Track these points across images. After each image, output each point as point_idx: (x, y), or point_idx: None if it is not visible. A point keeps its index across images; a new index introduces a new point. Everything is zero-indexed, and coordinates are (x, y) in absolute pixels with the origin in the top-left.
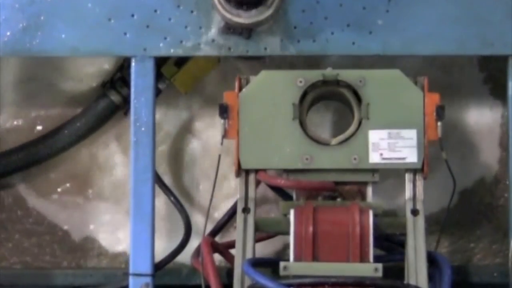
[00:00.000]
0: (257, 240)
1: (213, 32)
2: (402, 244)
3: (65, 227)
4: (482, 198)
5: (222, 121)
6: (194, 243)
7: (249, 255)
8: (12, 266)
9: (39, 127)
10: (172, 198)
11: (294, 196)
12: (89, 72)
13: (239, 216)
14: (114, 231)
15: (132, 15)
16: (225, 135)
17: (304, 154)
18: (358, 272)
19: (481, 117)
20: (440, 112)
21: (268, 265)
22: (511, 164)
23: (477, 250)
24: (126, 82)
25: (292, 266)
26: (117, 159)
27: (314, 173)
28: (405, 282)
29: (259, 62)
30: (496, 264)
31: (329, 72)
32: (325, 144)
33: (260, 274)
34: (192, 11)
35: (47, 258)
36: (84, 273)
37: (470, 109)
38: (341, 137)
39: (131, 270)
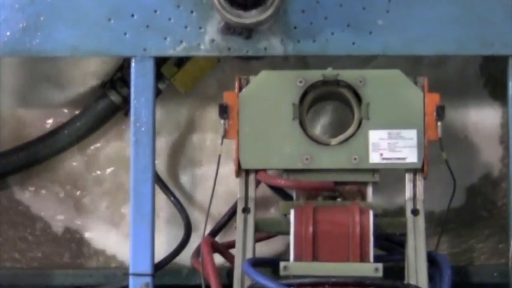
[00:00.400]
0: (257, 240)
1: (213, 32)
2: (402, 244)
3: (59, 224)
4: (487, 197)
5: (222, 121)
6: (194, 243)
7: (249, 255)
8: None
9: (39, 127)
10: (172, 198)
11: (294, 196)
12: (88, 72)
13: (239, 216)
14: (109, 231)
15: (132, 15)
16: (225, 135)
17: (304, 154)
18: (358, 272)
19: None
20: (440, 112)
21: (268, 265)
22: (511, 164)
23: (486, 249)
24: (126, 82)
25: (292, 266)
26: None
27: (314, 173)
28: (405, 282)
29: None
30: (496, 264)
31: (329, 72)
32: (325, 144)
33: (260, 274)
34: (192, 11)
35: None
36: (84, 273)
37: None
38: (341, 137)
39: (131, 270)
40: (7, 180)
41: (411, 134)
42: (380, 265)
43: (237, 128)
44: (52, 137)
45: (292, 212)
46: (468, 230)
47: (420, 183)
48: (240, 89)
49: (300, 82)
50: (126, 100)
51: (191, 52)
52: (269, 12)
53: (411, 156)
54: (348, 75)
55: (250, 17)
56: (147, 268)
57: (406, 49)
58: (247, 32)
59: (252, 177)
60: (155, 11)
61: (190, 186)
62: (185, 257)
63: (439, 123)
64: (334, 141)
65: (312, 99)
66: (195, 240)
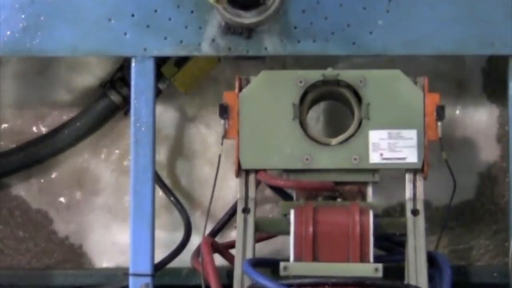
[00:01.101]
0: (257, 240)
1: (213, 32)
2: (402, 244)
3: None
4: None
5: (222, 121)
6: (194, 243)
7: (249, 255)
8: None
9: (39, 127)
10: (172, 198)
11: (294, 196)
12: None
13: (239, 216)
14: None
15: (132, 15)
16: (225, 135)
17: (304, 154)
18: (358, 272)
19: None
20: (440, 112)
21: (268, 265)
22: (511, 163)
23: (492, 246)
24: (126, 82)
25: (292, 266)
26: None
27: (314, 173)
28: (405, 282)
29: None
30: (496, 264)
31: (329, 72)
32: (325, 144)
33: (260, 274)
34: (192, 11)
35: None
36: (84, 273)
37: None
38: (341, 137)
39: (131, 270)
40: (7, 181)
41: (411, 134)
42: (380, 266)
43: (237, 128)
44: (52, 137)
45: (292, 212)
46: (476, 226)
47: (420, 183)
48: (240, 89)
49: (300, 82)
50: (126, 100)
51: (191, 52)
52: (269, 12)
53: (411, 156)
54: (348, 75)
55: (250, 17)
56: (147, 268)
57: (406, 49)
58: (247, 32)
59: (252, 177)
60: (155, 11)
61: (190, 186)
62: (185, 257)
63: (439, 123)
64: (334, 141)
65: (312, 99)
66: (195, 240)
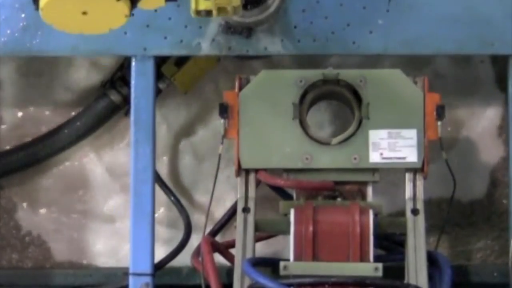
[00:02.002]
0: (257, 239)
1: (213, 31)
2: (402, 244)
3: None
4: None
5: (222, 120)
6: (194, 243)
7: (249, 254)
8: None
9: (39, 127)
10: (172, 198)
11: (294, 196)
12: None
13: (239, 215)
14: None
15: (132, 14)
16: (225, 134)
17: (304, 153)
18: (358, 272)
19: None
20: (440, 111)
21: (268, 265)
22: (511, 163)
23: (497, 247)
24: (126, 82)
25: (292, 265)
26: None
27: (314, 173)
28: (405, 282)
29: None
30: (496, 264)
31: (330, 71)
32: (325, 143)
33: (260, 274)
34: None
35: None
36: (84, 273)
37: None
38: (341, 136)
39: (131, 270)
40: (6, 180)
41: (411, 134)
42: (380, 265)
43: (237, 128)
44: (52, 137)
45: (292, 211)
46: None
47: (420, 183)
48: (240, 88)
49: (300, 81)
50: (126, 100)
51: (191, 52)
52: (269, 11)
53: (411, 156)
54: (348, 74)
55: (251, 16)
56: (147, 268)
57: (406, 49)
58: (248, 31)
59: (252, 177)
60: (155, 10)
61: (190, 186)
62: (185, 257)
63: (439, 123)
64: (334, 140)
65: (312, 98)
66: (195, 240)
